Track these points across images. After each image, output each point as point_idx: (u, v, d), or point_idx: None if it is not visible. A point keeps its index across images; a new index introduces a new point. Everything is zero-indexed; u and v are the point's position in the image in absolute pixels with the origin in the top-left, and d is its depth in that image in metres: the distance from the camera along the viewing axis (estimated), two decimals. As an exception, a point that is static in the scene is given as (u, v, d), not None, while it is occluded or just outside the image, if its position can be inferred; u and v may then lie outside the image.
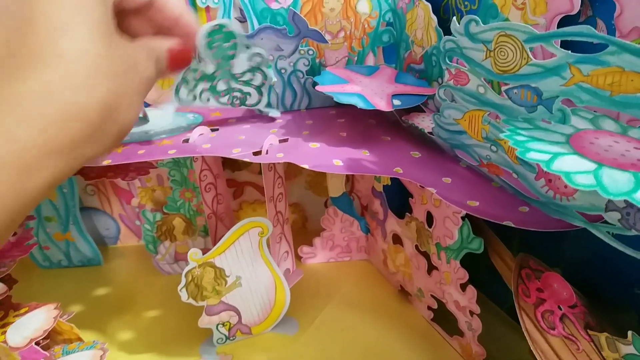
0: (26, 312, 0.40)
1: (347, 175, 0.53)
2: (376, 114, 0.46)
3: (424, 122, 0.42)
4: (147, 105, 0.51)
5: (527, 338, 0.33)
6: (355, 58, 0.49)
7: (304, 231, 0.66)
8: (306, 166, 0.37)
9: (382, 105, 0.40)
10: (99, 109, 0.24)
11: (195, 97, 0.43)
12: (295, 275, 0.51)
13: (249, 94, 0.45)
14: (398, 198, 0.47)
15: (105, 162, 0.41)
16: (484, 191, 0.35)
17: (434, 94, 0.43)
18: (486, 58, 0.32)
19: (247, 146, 0.41)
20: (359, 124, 0.45)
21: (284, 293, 0.47)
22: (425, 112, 0.45)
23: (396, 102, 0.40)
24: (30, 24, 0.23)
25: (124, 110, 0.26)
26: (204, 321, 0.45)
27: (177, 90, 0.42)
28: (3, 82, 0.22)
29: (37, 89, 0.22)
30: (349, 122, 0.45)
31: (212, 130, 0.45)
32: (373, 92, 0.41)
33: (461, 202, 0.33)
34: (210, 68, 0.42)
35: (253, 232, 0.43)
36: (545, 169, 0.25)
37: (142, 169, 0.54)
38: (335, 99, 0.40)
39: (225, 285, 0.44)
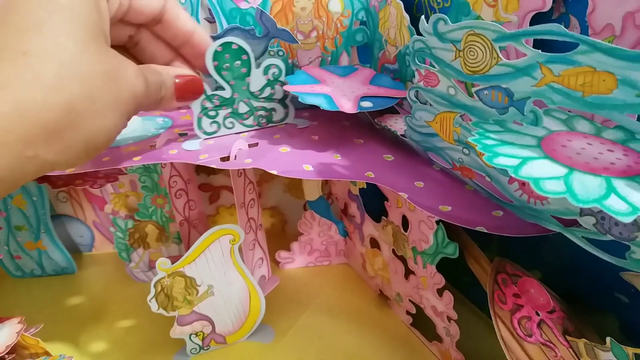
0: (-13, 329, 0.39)
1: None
2: (351, 116, 0.45)
3: (397, 124, 0.41)
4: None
5: (503, 346, 0.32)
6: (329, 58, 0.48)
7: (283, 235, 0.65)
8: (275, 172, 0.36)
9: (348, 107, 0.38)
10: (59, 110, 0.22)
11: (220, 126, 0.42)
12: (272, 282, 0.50)
13: (274, 109, 0.44)
14: (375, 201, 0.46)
15: (69, 171, 0.39)
16: (457, 195, 0.34)
17: (399, 99, 0.42)
18: (456, 58, 0.31)
19: (215, 151, 0.39)
20: (331, 126, 0.43)
21: (258, 301, 0.45)
22: (399, 113, 0.44)
23: (366, 104, 0.38)
24: (5, 19, 0.22)
25: (93, 119, 0.24)
26: (176, 331, 0.43)
27: (199, 123, 0.41)
28: None
29: None
30: (321, 125, 0.43)
31: (180, 135, 0.44)
32: (342, 93, 0.40)
33: (433, 207, 0.32)
34: (227, 92, 0.41)
35: (224, 240, 0.41)
36: (513, 175, 0.23)
37: (111, 175, 0.52)
38: (300, 99, 0.39)
39: (197, 294, 0.42)
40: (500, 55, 0.28)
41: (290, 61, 0.47)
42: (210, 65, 0.39)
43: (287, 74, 0.46)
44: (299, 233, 0.56)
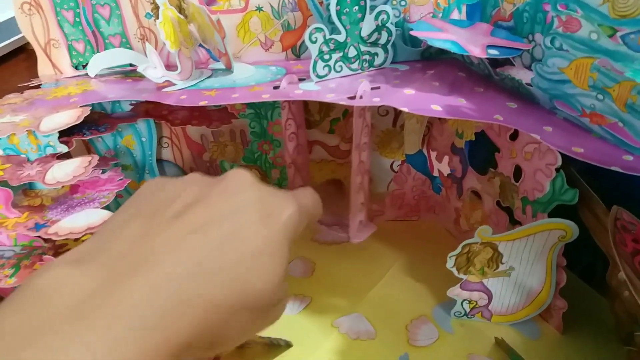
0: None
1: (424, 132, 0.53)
2: (465, 67, 0.47)
3: (519, 75, 0.42)
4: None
5: (629, 284, 0.34)
6: (440, 14, 0.49)
7: (367, 192, 0.66)
8: (405, 109, 0.38)
9: (477, 52, 0.40)
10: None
11: (330, 69, 0.45)
12: (368, 229, 0.52)
13: (377, 54, 0.47)
14: (481, 154, 0.47)
15: (202, 103, 0.42)
16: (585, 140, 0.35)
17: (522, 51, 0.43)
18: (604, 3, 0.32)
19: (339, 92, 0.42)
20: (448, 75, 0.45)
21: (545, 299, 0.44)
22: (514, 65, 0.45)
23: (493, 51, 0.40)
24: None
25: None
26: (454, 292, 0.44)
27: (314, 67, 0.44)
28: None
29: None
30: (438, 74, 0.45)
31: (300, 80, 0.46)
32: (468, 41, 0.41)
33: (567, 147, 0.34)
34: (342, 36, 0.44)
35: (553, 233, 0.40)
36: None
37: (225, 118, 0.55)
38: (429, 43, 0.41)
39: (495, 270, 0.43)
40: (656, -3, 0.29)
41: (402, 15, 0.49)
42: (333, 9, 0.42)
43: (397, 27, 0.48)
44: (383, 192, 0.58)
